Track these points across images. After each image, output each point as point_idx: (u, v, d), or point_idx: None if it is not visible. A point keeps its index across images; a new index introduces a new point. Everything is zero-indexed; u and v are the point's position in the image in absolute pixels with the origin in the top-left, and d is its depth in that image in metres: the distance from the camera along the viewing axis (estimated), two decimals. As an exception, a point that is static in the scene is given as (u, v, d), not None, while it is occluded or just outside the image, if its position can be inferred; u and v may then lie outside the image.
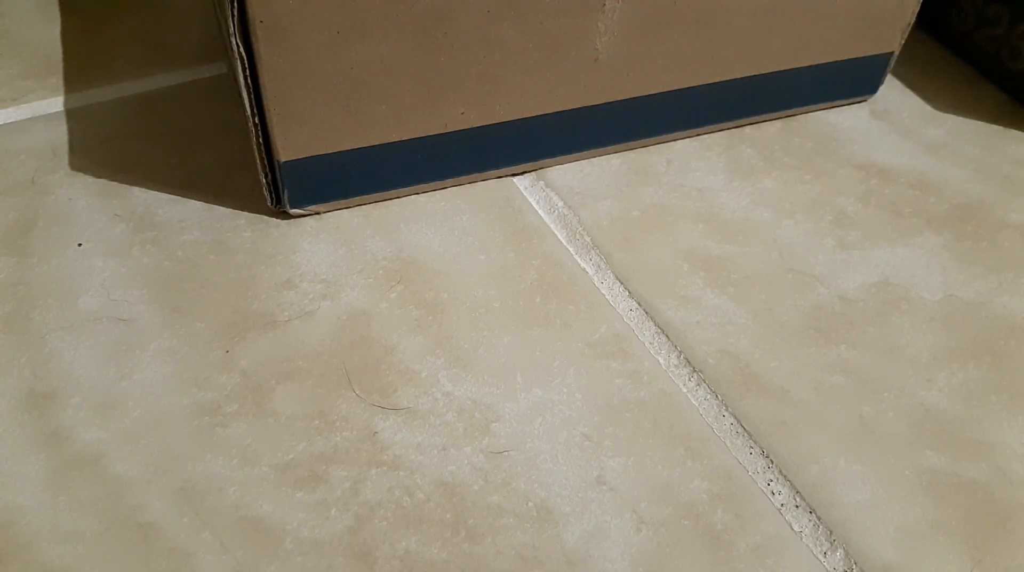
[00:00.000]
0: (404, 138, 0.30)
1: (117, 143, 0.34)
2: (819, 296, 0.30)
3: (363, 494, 0.24)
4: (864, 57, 0.35)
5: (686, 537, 0.23)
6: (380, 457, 0.25)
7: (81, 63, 0.38)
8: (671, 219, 0.32)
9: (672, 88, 0.33)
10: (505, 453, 0.25)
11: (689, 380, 0.27)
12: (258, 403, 0.26)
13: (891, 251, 0.31)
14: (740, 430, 0.26)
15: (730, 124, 0.36)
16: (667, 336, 0.28)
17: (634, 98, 0.32)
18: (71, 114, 0.35)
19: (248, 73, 0.27)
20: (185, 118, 0.35)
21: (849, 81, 0.36)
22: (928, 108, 0.37)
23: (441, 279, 0.30)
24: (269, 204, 0.31)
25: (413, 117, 0.30)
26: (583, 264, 0.30)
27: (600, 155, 0.34)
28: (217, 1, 0.29)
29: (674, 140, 0.35)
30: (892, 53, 0.36)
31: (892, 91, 0.38)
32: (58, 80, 0.37)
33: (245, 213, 0.31)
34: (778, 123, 0.36)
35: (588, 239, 0.31)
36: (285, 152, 0.29)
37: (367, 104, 0.29)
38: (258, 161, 0.29)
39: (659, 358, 0.28)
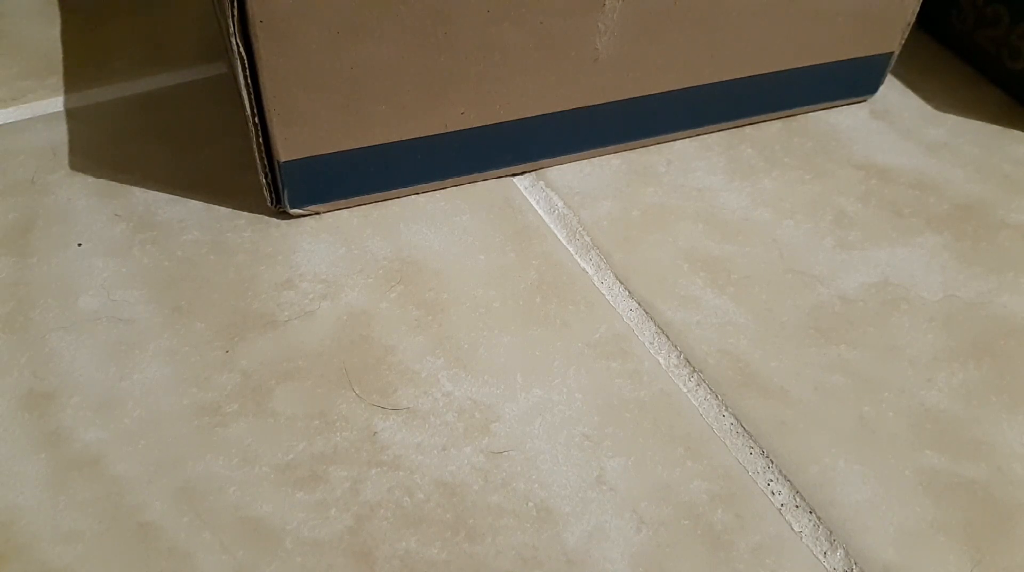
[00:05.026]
0: (404, 138, 0.30)
1: (117, 143, 0.34)
2: (819, 296, 0.30)
3: (363, 494, 0.24)
4: (864, 57, 0.35)
5: (686, 537, 0.23)
6: (380, 457, 0.25)
7: (81, 63, 0.38)
8: (671, 219, 0.32)
9: (672, 88, 0.33)
10: (505, 453, 0.25)
11: (689, 380, 0.27)
12: (258, 403, 0.26)
13: (891, 251, 0.31)
14: (740, 430, 0.26)
15: (730, 124, 0.36)
16: (667, 336, 0.28)
17: (634, 98, 0.32)
18: (71, 114, 0.35)
19: (248, 73, 0.27)
20: (185, 118, 0.35)
21: (849, 81, 0.36)
22: (928, 108, 0.37)
23: (441, 279, 0.30)
24: (269, 204, 0.31)
25: (413, 117, 0.30)
26: (583, 264, 0.30)
27: (600, 155, 0.34)
28: (217, 1, 0.29)
29: (674, 140, 0.35)
30: (892, 53, 0.36)
31: (892, 91, 0.38)
32: (58, 80, 0.37)
33: (245, 213, 0.31)
34: (778, 123, 0.36)
35: (588, 239, 0.31)
36: (285, 152, 0.29)
37: (367, 104, 0.29)
38: (258, 161, 0.29)
39: (659, 358, 0.28)
